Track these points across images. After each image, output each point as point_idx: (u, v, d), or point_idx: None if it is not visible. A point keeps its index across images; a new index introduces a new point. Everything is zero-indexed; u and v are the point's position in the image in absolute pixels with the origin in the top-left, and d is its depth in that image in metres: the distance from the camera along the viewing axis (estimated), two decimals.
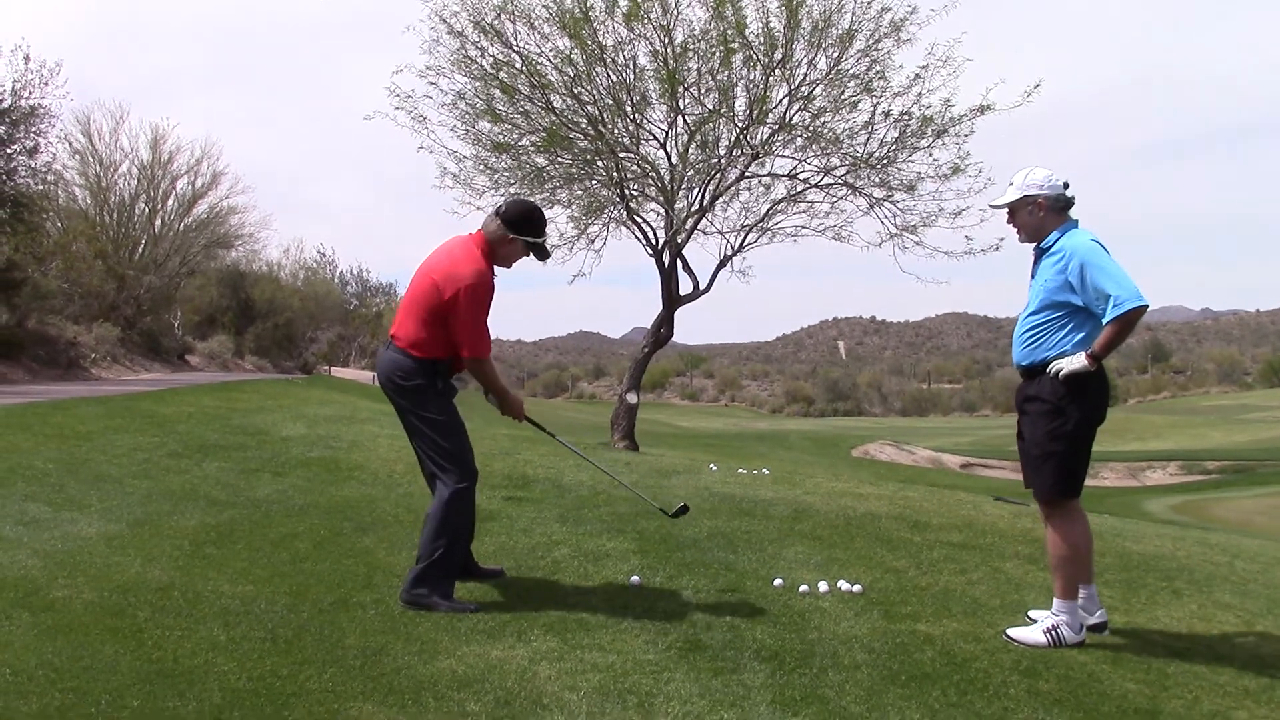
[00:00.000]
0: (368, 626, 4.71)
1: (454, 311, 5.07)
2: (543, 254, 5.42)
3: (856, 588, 5.73)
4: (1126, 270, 4.81)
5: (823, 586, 5.70)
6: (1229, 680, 4.53)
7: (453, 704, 3.81)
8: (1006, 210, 5.19)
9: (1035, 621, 5.26)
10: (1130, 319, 4.73)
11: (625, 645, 4.58)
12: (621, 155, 15.24)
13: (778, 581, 5.79)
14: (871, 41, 13.92)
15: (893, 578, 6.09)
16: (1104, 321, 4.74)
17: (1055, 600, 5.02)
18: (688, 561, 6.22)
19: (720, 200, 15.82)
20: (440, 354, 5.20)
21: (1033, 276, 5.16)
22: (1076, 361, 4.82)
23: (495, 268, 5.29)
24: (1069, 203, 5.06)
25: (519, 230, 5.25)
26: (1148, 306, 4.74)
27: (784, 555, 6.49)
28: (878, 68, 14.09)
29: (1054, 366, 4.88)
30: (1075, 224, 5.06)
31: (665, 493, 8.64)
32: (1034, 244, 5.17)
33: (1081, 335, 4.90)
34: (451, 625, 4.77)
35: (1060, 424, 4.92)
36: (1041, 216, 5.08)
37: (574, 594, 5.47)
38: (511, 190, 15.53)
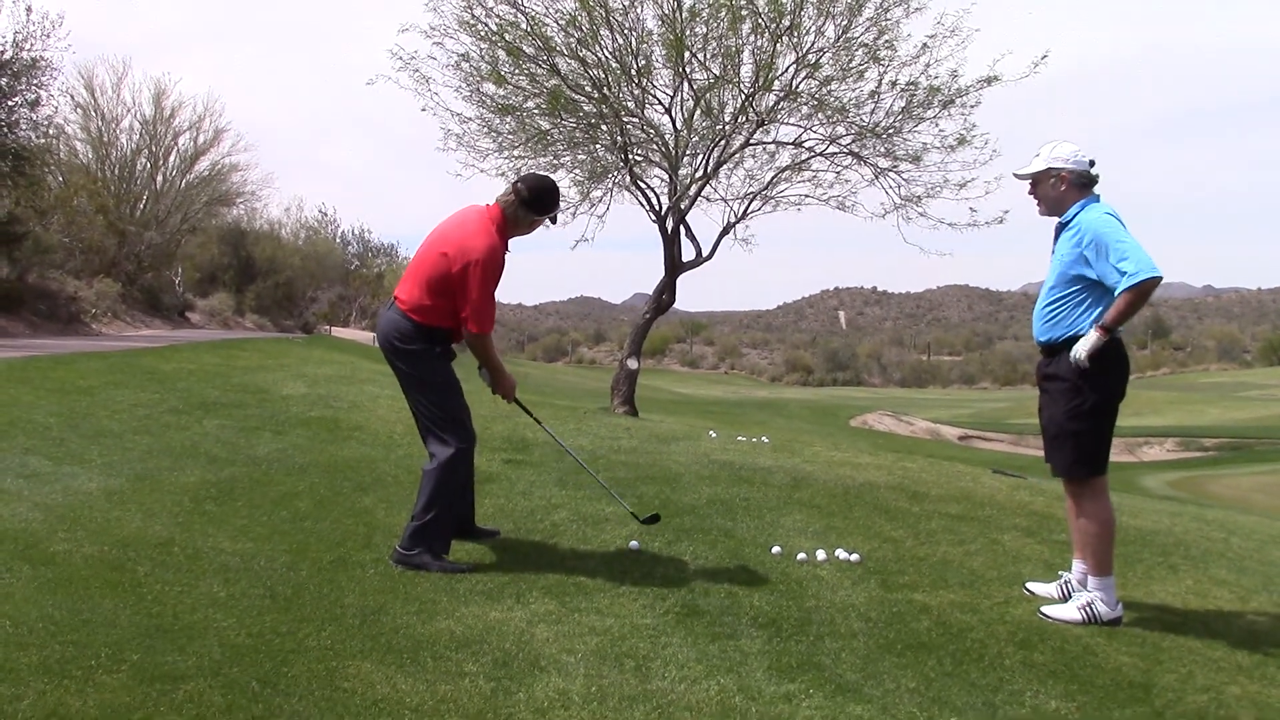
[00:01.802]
0: (367, 586, 4.73)
1: (462, 285, 5.06)
2: (553, 221, 5.44)
3: (854, 556, 5.75)
4: (1140, 242, 4.78)
5: (820, 555, 5.72)
6: (1223, 655, 4.56)
7: (451, 664, 3.83)
8: (1030, 181, 5.15)
9: (1034, 595, 5.28)
10: (1144, 290, 4.70)
11: (623, 609, 4.60)
12: (626, 120, 15.16)
13: (776, 549, 5.81)
14: (881, 10, 13.81)
15: (890, 547, 6.11)
16: (1116, 292, 4.71)
17: (1090, 578, 5.02)
18: (686, 528, 6.24)
19: (725, 167, 15.73)
20: (443, 323, 5.22)
21: (1052, 252, 5.13)
22: (1090, 340, 4.79)
23: (508, 241, 5.29)
24: (1092, 180, 5.02)
25: (534, 208, 5.25)
26: (1161, 278, 4.70)
27: (782, 523, 6.51)
28: (886, 36, 13.97)
29: (1073, 356, 4.84)
30: (1095, 199, 5.02)
31: (665, 459, 8.65)
32: (1054, 218, 5.13)
33: (1100, 310, 4.86)
34: (450, 586, 4.79)
35: (1079, 403, 4.91)
36: (1063, 190, 5.04)
37: (572, 557, 5.49)
38: (515, 153, 15.46)
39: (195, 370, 13.16)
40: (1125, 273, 4.67)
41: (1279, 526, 9.37)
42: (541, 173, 5.63)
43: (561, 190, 5.60)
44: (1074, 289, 4.94)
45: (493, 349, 5.37)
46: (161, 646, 3.78)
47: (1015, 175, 5.27)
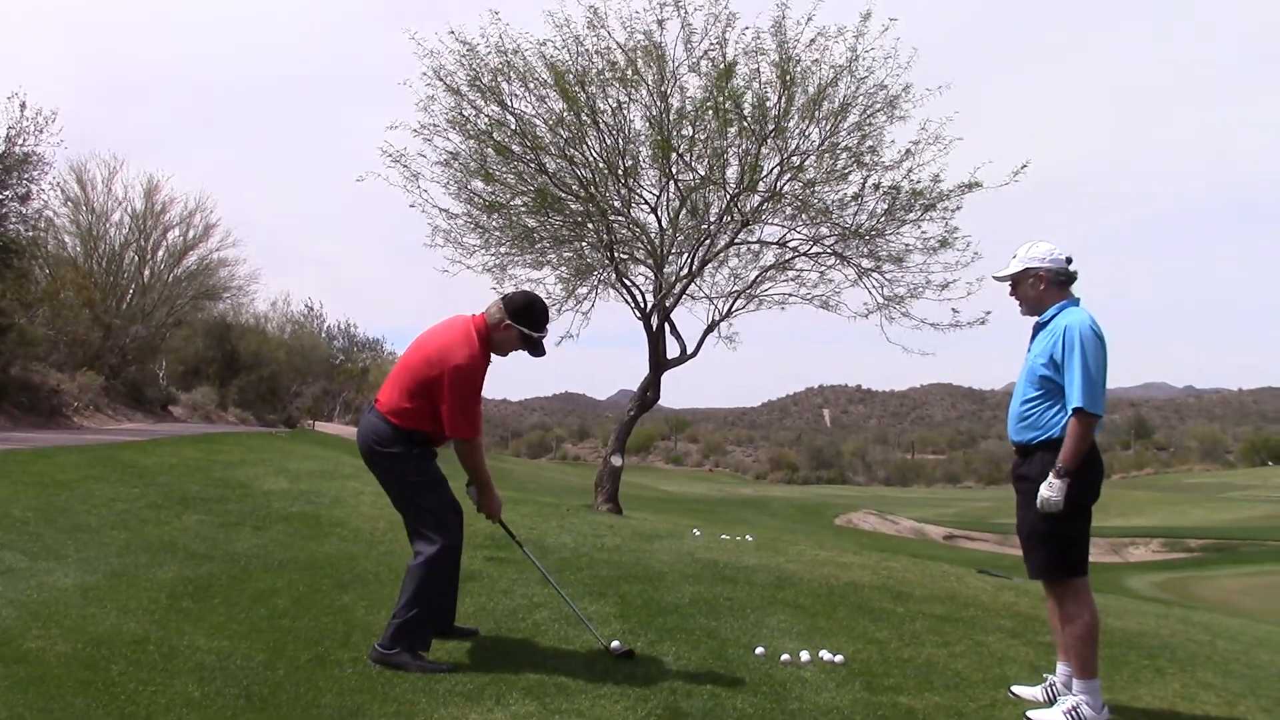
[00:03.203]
0: (345, 685, 4.66)
1: (440, 391, 5.10)
2: (537, 350, 5.44)
3: (839, 658, 5.69)
4: (1105, 367, 4.84)
5: (805, 656, 5.66)
6: None
7: None
8: (1009, 282, 5.23)
9: (1019, 698, 5.23)
10: (1080, 422, 4.78)
11: (604, 711, 4.53)
12: (612, 218, 15.32)
13: (759, 650, 5.75)
14: (865, 115, 14.10)
15: (875, 649, 6.05)
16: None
17: (1075, 681, 4.97)
18: (669, 627, 6.18)
19: (709, 266, 15.86)
20: (421, 426, 5.24)
21: (1028, 350, 5.18)
22: (1053, 487, 4.82)
23: (491, 354, 5.33)
24: (1071, 278, 5.10)
25: (517, 319, 5.29)
26: (1096, 416, 4.79)
27: (766, 623, 6.45)
28: (870, 141, 14.25)
29: (1042, 505, 4.87)
30: (1076, 302, 5.09)
31: (648, 557, 8.59)
32: (1034, 317, 5.20)
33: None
34: (429, 686, 4.72)
35: None
36: (1042, 290, 5.11)
37: (554, 657, 5.42)
38: (502, 250, 15.59)
39: (176, 464, 13.07)
40: (1068, 400, 4.78)
41: (1265, 629, 9.32)
42: (529, 291, 5.70)
43: (547, 288, 5.67)
44: (1045, 390, 4.99)
45: (482, 460, 5.37)
46: None
47: (995, 278, 5.35)
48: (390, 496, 5.39)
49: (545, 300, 5.60)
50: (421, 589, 5.12)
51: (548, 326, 5.48)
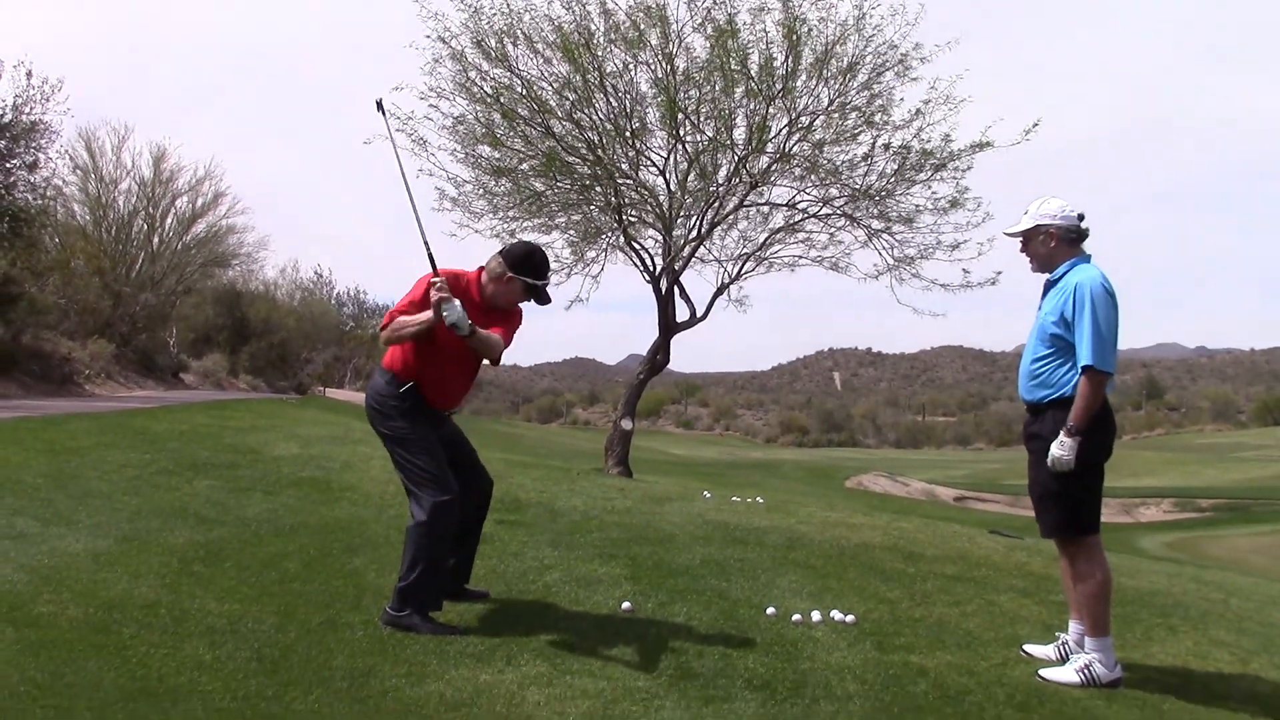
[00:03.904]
0: (356, 648, 4.66)
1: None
2: (543, 298, 5.41)
3: (849, 618, 5.68)
4: (1116, 325, 4.80)
5: (816, 616, 5.66)
6: (1224, 718, 4.50)
7: None
8: (1020, 239, 5.17)
9: (1031, 656, 5.22)
10: (1090, 380, 4.74)
11: (615, 672, 4.53)
12: (620, 181, 15.25)
13: (770, 610, 5.75)
14: (874, 74, 13.96)
15: (886, 608, 6.05)
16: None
17: (1087, 639, 4.96)
18: (680, 589, 6.18)
19: (718, 228, 15.81)
20: (407, 370, 5.27)
21: (1039, 309, 5.13)
22: (1064, 445, 4.79)
23: (488, 298, 5.32)
24: (1082, 235, 5.03)
25: (518, 270, 5.27)
26: (1106, 374, 4.75)
27: (777, 584, 6.45)
28: (880, 101, 14.13)
29: (1052, 463, 4.85)
30: (1087, 259, 5.02)
31: (658, 520, 8.59)
32: (1045, 274, 5.14)
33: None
34: (440, 648, 4.72)
35: None
36: (1053, 247, 5.05)
37: (564, 619, 5.43)
38: (510, 214, 15.54)
39: (187, 431, 13.10)
40: (1078, 358, 4.73)
41: (1277, 588, 9.31)
42: (526, 241, 5.66)
43: (556, 251, 5.64)
44: (1056, 348, 4.94)
45: (412, 329, 5.21)
46: (146, 710, 3.71)
47: (1005, 234, 5.28)
48: (390, 458, 5.40)
49: (546, 251, 5.56)
50: (420, 548, 5.12)
51: (549, 275, 5.45)
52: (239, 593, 5.51)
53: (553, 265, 15.66)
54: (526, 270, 5.28)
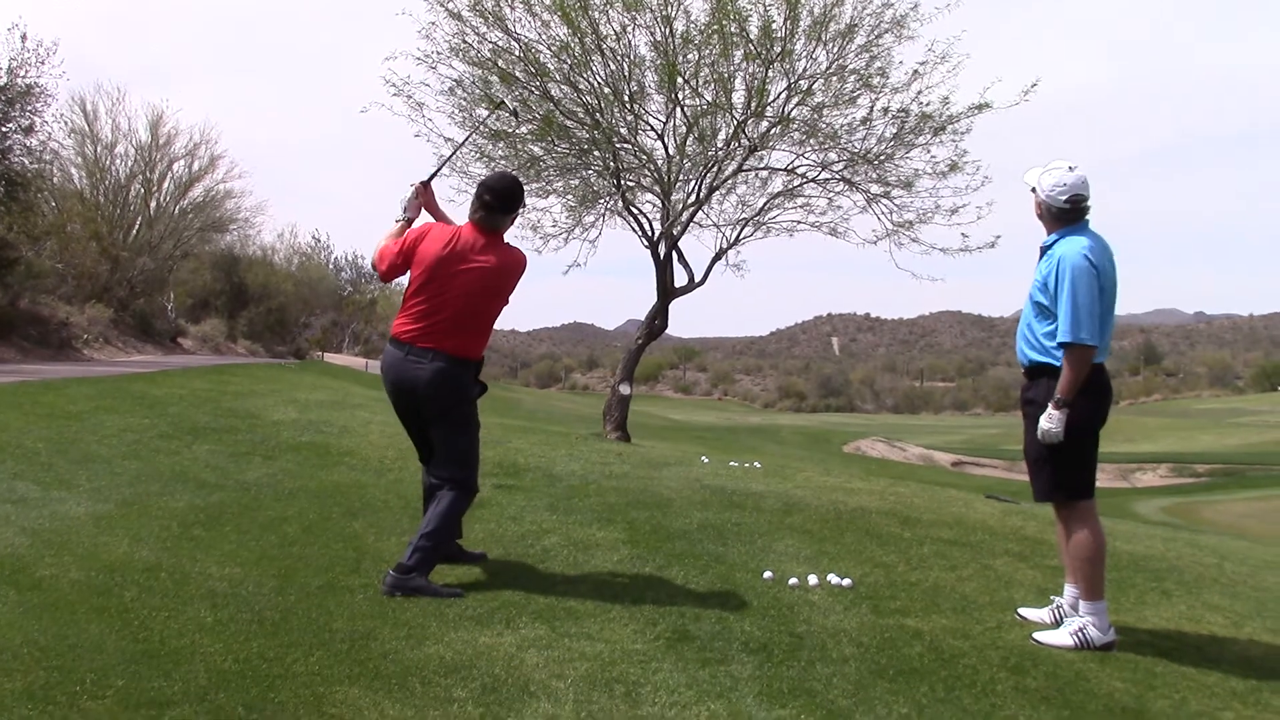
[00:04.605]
0: (355, 611, 4.70)
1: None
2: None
3: (846, 582, 5.72)
4: (1098, 297, 4.78)
5: (812, 580, 5.69)
6: (1216, 681, 4.54)
7: (440, 689, 3.80)
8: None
9: (1026, 620, 5.27)
10: (1070, 354, 4.76)
11: (613, 634, 4.57)
12: (619, 145, 15.18)
13: (767, 574, 5.79)
14: (873, 36, 13.87)
15: (882, 572, 6.09)
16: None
17: (1081, 603, 4.99)
18: (678, 552, 6.21)
19: (717, 193, 15.75)
20: (474, 356, 5.44)
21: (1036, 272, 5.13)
22: (1051, 418, 4.82)
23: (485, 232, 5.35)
24: (1067, 215, 4.98)
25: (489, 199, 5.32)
26: (1087, 346, 4.76)
27: (774, 548, 6.49)
28: (878, 63, 14.04)
29: (1040, 434, 4.88)
30: (1080, 228, 4.97)
31: (656, 484, 8.62)
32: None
33: None
34: (439, 611, 4.76)
35: None
36: (1040, 215, 5.06)
37: (563, 582, 5.46)
38: None
39: (186, 395, 13.12)
40: (1059, 331, 4.76)
41: (1272, 552, 9.36)
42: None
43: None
44: (1044, 315, 4.95)
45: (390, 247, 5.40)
46: (147, 672, 3.75)
47: (1024, 180, 5.21)
48: (440, 430, 5.37)
49: (523, 182, 5.64)
50: (449, 520, 5.27)
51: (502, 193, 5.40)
52: (239, 556, 5.54)
53: (550, 230, 15.83)
54: (491, 195, 5.32)
